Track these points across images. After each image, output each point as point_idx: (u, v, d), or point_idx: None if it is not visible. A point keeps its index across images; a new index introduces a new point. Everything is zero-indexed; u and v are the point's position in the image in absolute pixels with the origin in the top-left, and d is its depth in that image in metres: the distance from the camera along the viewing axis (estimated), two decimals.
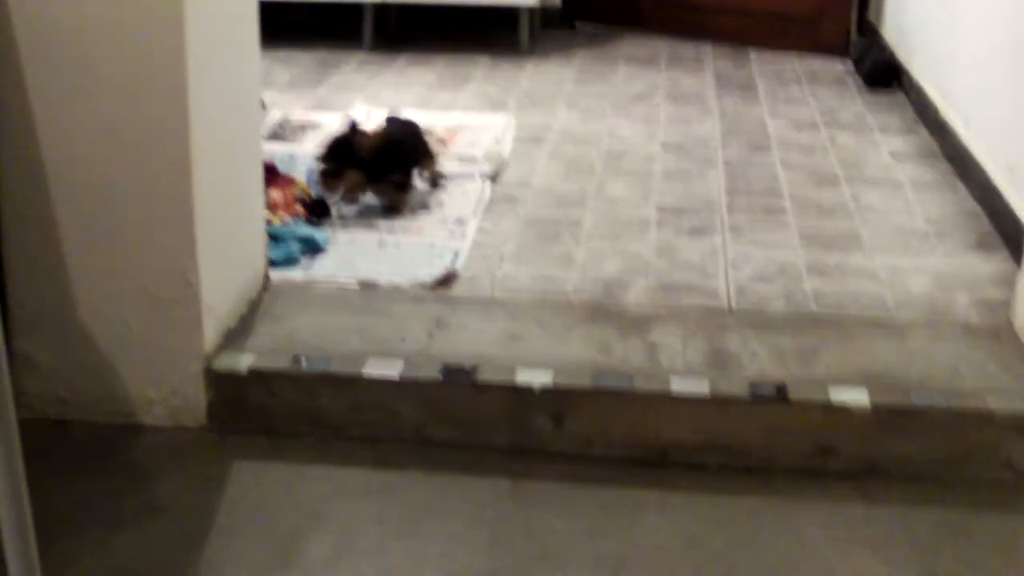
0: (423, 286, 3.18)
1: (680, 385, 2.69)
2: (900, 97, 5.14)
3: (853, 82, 5.42)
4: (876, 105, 5.04)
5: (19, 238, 2.69)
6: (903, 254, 3.47)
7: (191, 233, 2.64)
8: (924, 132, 4.63)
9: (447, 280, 3.22)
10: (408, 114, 4.10)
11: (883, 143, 4.51)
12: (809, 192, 3.98)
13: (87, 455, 2.69)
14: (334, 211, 3.68)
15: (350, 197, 3.68)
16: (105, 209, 2.65)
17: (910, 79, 5.07)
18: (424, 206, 3.78)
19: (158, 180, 2.62)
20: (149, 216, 2.65)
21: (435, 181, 3.89)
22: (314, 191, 3.74)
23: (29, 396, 2.74)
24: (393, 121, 3.91)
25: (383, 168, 3.68)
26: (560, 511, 2.52)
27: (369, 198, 3.72)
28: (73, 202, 2.65)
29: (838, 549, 2.40)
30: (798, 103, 5.08)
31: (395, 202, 3.72)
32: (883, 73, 5.31)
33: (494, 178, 4.05)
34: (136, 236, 2.66)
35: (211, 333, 2.77)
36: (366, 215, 3.69)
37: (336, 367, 2.75)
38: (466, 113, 4.81)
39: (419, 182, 3.85)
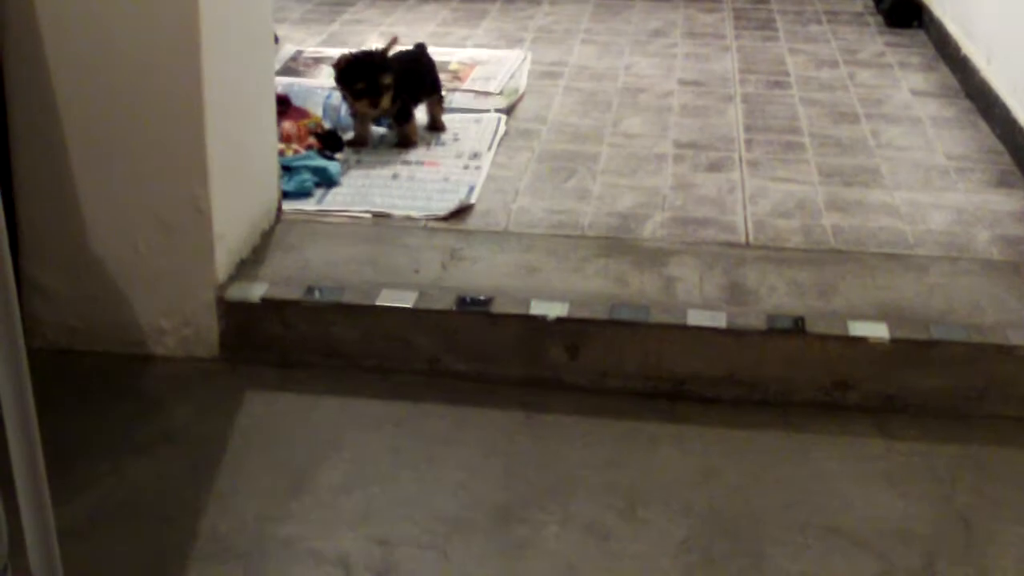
0: (437, 218, 3.15)
1: (697, 317, 2.66)
2: (921, 35, 5.06)
3: (873, 20, 5.35)
4: (896, 43, 4.97)
5: (29, 164, 2.66)
6: (923, 190, 3.42)
7: (202, 160, 2.61)
8: (945, 69, 4.57)
9: (461, 212, 3.18)
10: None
11: (903, 80, 4.45)
12: (828, 128, 3.93)
13: (98, 385, 2.67)
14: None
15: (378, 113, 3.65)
16: (115, 135, 2.62)
17: (931, 16, 4.99)
18: (439, 141, 3.74)
19: (169, 106, 2.59)
20: (160, 142, 2.62)
21: (435, 124, 3.83)
22: (328, 123, 3.71)
23: (40, 324, 2.73)
24: (413, 49, 3.86)
25: (401, 88, 3.63)
26: (575, 443, 2.50)
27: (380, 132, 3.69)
28: (83, 127, 2.62)
29: (855, 483, 2.38)
30: (818, 41, 5.01)
31: (401, 134, 3.67)
32: (904, 11, 5.23)
33: (509, 113, 4.00)
34: (147, 163, 2.63)
35: (223, 262, 2.75)
36: (379, 148, 3.65)
37: (349, 297, 2.73)
38: (481, 49, 4.76)
39: (421, 115, 3.81)
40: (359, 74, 3.54)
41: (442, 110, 3.85)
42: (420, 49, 3.86)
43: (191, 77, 2.57)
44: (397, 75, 3.57)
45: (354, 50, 3.69)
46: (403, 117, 3.67)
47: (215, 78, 2.61)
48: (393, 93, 3.56)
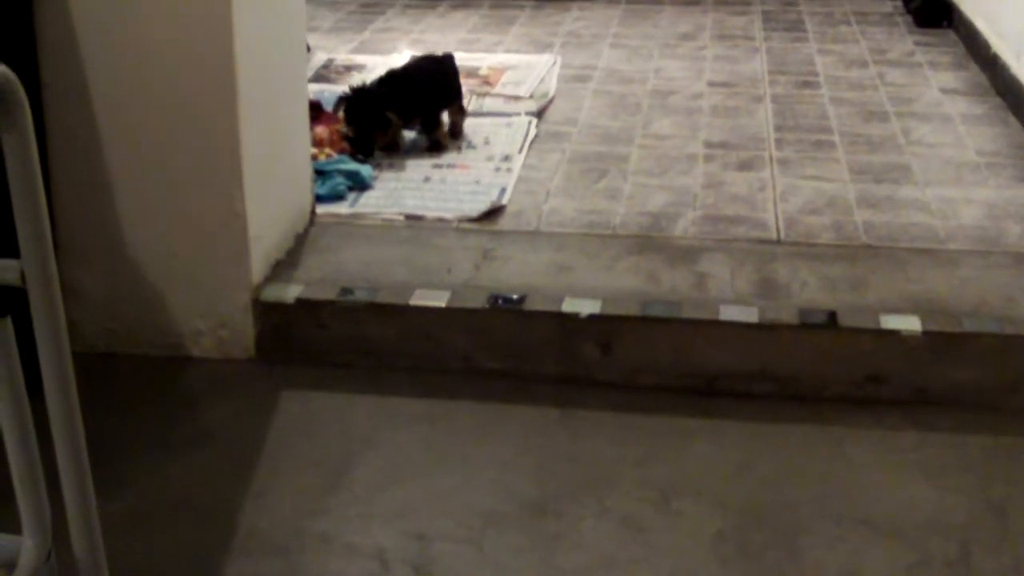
0: (469, 219, 3.17)
1: (729, 312, 2.67)
2: (950, 35, 5.06)
3: (903, 20, 5.34)
4: (926, 42, 4.97)
5: (66, 168, 2.69)
6: (954, 186, 3.42)
7: (238, 162, 2.64)
8: (975, 68, 4.56)
9: (493, 213, 3.20)
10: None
11: (933, 79, 4.45)
12: (858, 127, 3.93)
13: (136, 386, 2.70)
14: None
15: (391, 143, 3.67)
16: (152, 139, 2.65)
17: (960, 16, 4.99)
18: (470, 144, 3.76)
19: (205, 110, 2.62)
20: (196, 145, 2.65)
21: (456, 131, 3.82)
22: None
23: (78, 328, 2.75)
24: (441, 57, 3.88)
25: (413, 102, 3.66)
26: (609, 438, 2.51)
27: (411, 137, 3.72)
28: (119, 131, 2.65)
29: (890, 475, 2.38)
30: (847, 41, 5.01)
31: (432, 140, 3.69)
32: (933, 11, 5.22)
33: (540, 116, 4.02)
34: (183, 166, 2.66)
35: (259, 264, 2.77)
36: (410, 152, 3.67)
37: (383, 297, 2.75)
38: (511, 54, 4.78)
39: (445, 119, 3.81)
40: (359, 114, 3.59)
41: (463, 118, 3.85)
42: (448, 58, 3.87)
43: (226, 82, 2.60)
44: (418, 87, 3.62)
45: (353, 86, 3.70)
46: (431, 125, 3.70)
47: (250, 84, 2.64)
48: (416, 105, 3.63)
